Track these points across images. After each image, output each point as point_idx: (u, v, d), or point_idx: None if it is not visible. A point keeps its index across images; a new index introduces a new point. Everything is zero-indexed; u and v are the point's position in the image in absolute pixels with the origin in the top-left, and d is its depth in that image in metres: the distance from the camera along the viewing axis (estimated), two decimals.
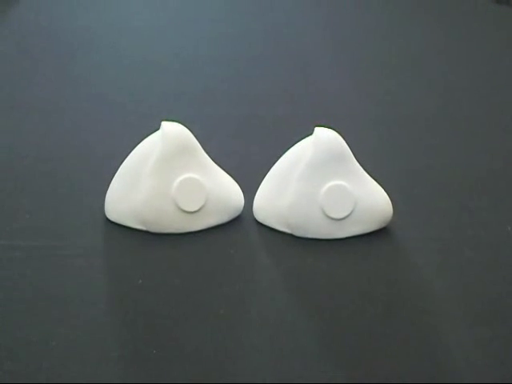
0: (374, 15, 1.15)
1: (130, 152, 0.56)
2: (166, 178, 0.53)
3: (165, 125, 0.54)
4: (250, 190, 0.57)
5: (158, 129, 0.55)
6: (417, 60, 0.95)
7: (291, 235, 0.55)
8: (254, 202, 0.57)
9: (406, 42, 1.02)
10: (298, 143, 0.57)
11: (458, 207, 0.60)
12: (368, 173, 0.55)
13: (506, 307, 0.46)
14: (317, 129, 0.55)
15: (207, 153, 0.55)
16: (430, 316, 0.46)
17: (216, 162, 0.56)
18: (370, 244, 0.54)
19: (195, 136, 0.54)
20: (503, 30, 1.10)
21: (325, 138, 0.54)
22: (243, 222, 0.56)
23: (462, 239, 0.54)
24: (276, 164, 0.57)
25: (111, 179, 0.56)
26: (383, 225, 0.55)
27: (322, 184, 0.53)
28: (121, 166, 0.56)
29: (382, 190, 0.55)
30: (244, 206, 0.56)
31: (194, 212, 0.54)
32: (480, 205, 0.60)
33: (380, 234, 0.55)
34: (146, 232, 0.54)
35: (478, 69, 0.94)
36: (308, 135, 0.56)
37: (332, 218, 0.54)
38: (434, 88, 0.87)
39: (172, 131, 0.54)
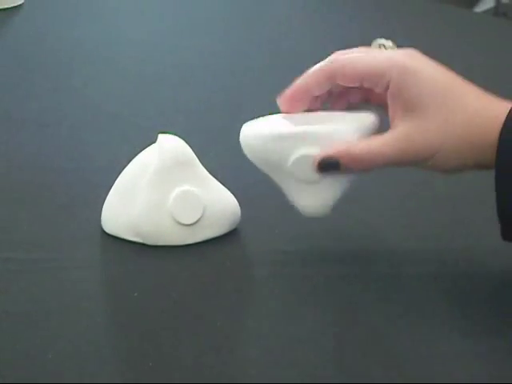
0: (374, 26, 1.15)
1: (127, 164, 0.56)
2: (162, 190, 0.53)
3: (161, 137, 0.55)
4: (247, 203, 0.57)
5: (154, 141, 0.55)
6: None
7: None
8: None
9: None
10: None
11: None
12: None
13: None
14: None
15: (204, 165, 0.55)
16: None
17: (213, 175, 0.56)
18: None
19: (192, 148, 0.54)
20: (502, 43, 1.11)
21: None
22: (240, 234, 0.56)
23: None
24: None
25: (108, 191, 0.56)
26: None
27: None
28: (117, 179, 0.56)
29: None
30: (241, 219, 0.56)
31: (191, 224, 0.54)
32: None
33: None
34: (143, 244, 0.54)
35: (477, 82, 0.95)
36: None
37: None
38: None
39: (169, 144, 0.54)
